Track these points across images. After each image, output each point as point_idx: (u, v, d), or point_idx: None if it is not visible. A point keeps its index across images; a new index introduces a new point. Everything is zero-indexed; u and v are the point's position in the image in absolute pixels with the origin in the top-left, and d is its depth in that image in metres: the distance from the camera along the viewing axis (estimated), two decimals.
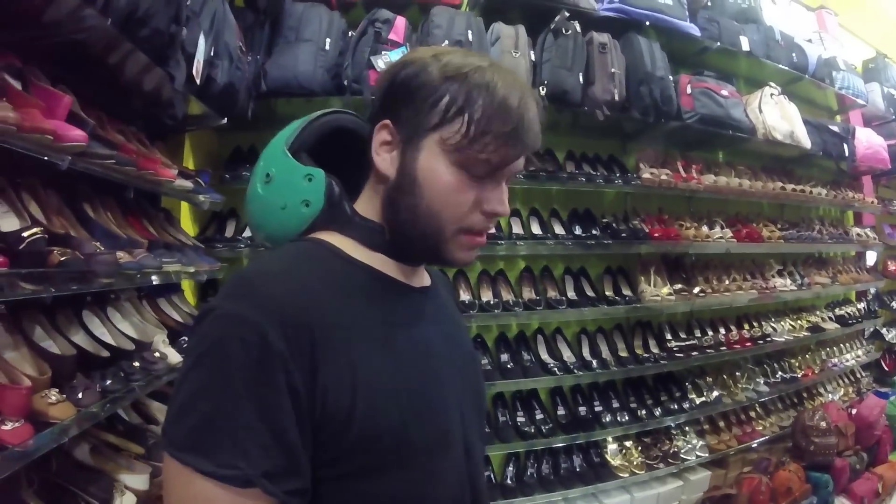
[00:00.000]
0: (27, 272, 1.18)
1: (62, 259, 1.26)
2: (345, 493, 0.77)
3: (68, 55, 1.56)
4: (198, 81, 1.87)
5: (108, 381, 1.46)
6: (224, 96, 2.12)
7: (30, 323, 1.50)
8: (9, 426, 1.17)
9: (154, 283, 1.80)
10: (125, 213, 1.89)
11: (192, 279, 2.28)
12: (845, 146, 4.33)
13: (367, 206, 0.91)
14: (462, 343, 1.04)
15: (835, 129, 4.33)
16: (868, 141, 4.52)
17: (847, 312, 4.65)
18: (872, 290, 5.11)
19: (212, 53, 1.99)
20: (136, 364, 1.59)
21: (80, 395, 1.34)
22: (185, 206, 2.46)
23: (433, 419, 0.86)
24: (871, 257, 5.24)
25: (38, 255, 1.23)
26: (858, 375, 4.87)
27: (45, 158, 1.25)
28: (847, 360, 4.55)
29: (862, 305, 4.92)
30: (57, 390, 1.32)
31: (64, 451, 1.57)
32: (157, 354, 1.70)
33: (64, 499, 1.49)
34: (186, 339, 0.71)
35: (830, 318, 4.45)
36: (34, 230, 1.24)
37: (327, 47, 2.54)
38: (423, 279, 0.98)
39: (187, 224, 2.48)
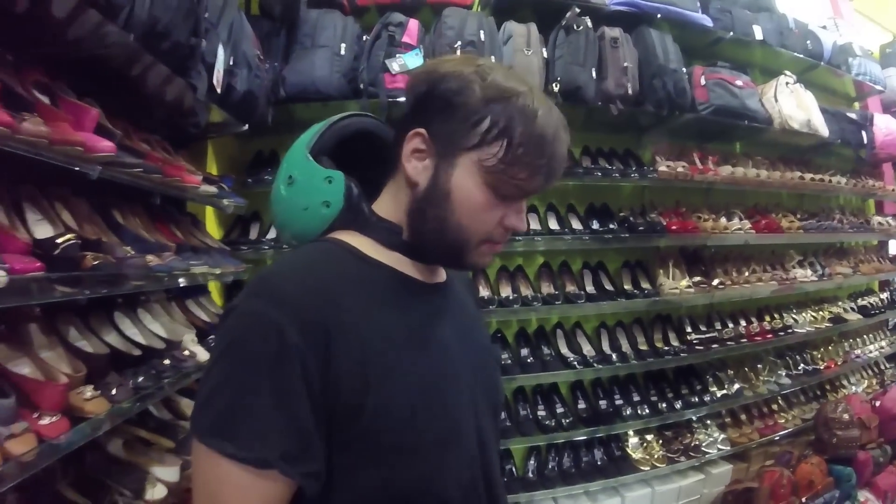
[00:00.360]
0: (62, 276, 1.25)
1: (95, 263, 1.33)
2: (358, 478, 0.83)
3: (92, 68, 1.64)
4: (218, 90, 1.95)
5: (140, 378, 1.54)
6: (244, 103, 2.20)
7: (64, 324, 1.58)
8: (46, 420, 1.25)
9: (181, 284, 1.88)
10: (153, 219, 1.98)
11: (218, 280, 2.36)
12: (864, 133, 4.27)
13: (387, 206, 0.96)
14: (478, 337, 1.08)
15: (852, 116, 4.27)
16: (887, 127, 4.44)
17: (870, 303, 4.57)
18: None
19: (231, 63, 2.07)
20: (167, 362, 1.67)
21: (113, 392, 1.42)
22: (209, 209, 2.55)
23: (444, 411, 0.90)
24: (893, 246, 5.14)
25: (72, 260, 1.30)
26: (882, 367, 4.78)
27: (77, 169, 1.32)
28: (870, 352, 4.46)
29: (885, 295, 4.83)
30: (91, 387, 1.39)
31: (98, 445, 1.66)
32: (186, 353, 1.78)
33: (98, 491, 1.57)
34: (214, 336, 0.79)
35: (853, 309, 4.38)
36: (68, 236, 1.32)
37: (342, 52, 2.61)
38: (439, 276, 1.02)
39: (212, 227, 2.57)
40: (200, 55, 1.81)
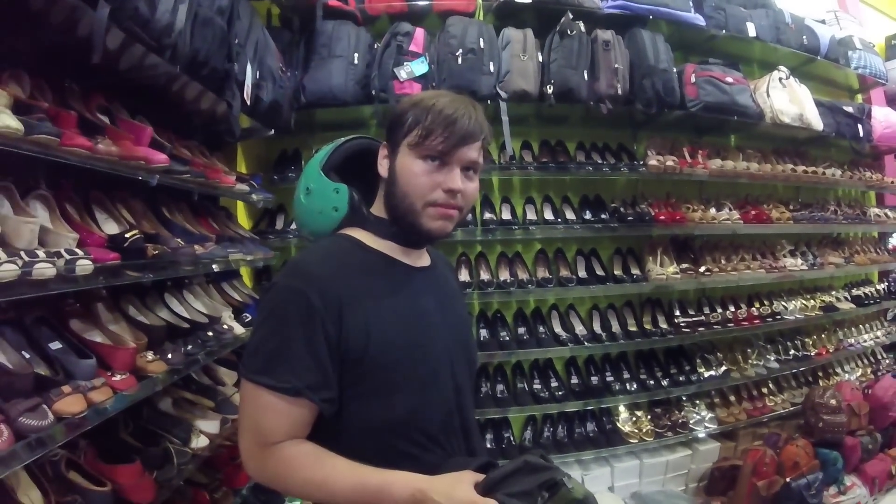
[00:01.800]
0: (131, 263, 1.59)
1: (156, 252, 1.68)
2: (363, 407, 1.18)
3: (140, 88, 1.96)
4: (248, 103, 2.26)
5: (190, 347, 1.90)
6: (270, 112, 2.51)
7: (125, 303, 1.93)
8: (118, 377, 1.59)
9: (217, 270, 2.21)
10: (194, 213, 2.31)
11: (250, 266, 2.70)
12: (860, 126, 4.32)
13: (378, 206, 1.32)
14: (457, 309, 1.43)
15: (849, 109, 4.31)
16: (887, 120, 4.48)
17: (865, 293, 4.62)
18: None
19: (258, 77, 2.37)
20: (210, 333, 2.02)
21: (169, 356, 1.77)
22: (240, 203, 2.88)
23: (425, 360, 1.25)
24: (895, 238, 5.15)
25: (139, 251, 1.64)
26: (879, 356, 4.83)
27: (140, 178, 1.65)
28: (865, 341, 4.52)
29: (883, 286, 4.86)
30: (152, 352, 1.74)
31: (152, 403, 2.02)
32: (225, 326, 2.13)
33: (152, 439, 1.91)
34: (255, 307, 1.22)
35: (846, 298, 4.45)
36: (133, 232, 1.65)
37: (356, 61, 2.91)
38: (424, 261, 1.36)
39: (243, 219, 2.91)
40: (234, 76, 2.12)
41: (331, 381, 1.13)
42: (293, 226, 3.02)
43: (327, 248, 1.25)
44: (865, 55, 4.54)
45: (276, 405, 1.10)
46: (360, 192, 1.32)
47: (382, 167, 1.26)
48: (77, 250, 1.45)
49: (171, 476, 1.80)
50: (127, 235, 1.63)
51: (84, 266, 1.41)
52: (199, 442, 1.97)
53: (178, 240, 1.88)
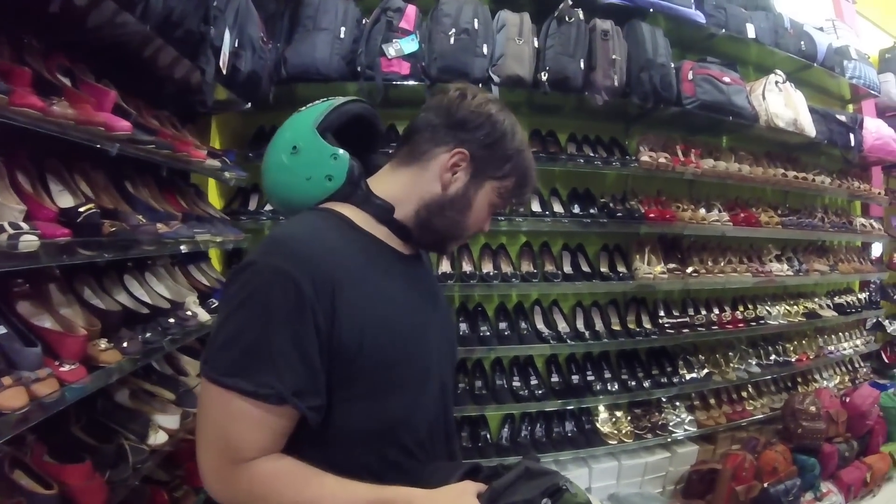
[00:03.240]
0: (84, 241, 1.43)
1: (112, 230, 1.51)
2: (352, 411, 1.01)
3: (108, 50, 1.79)
4: (224, 72, 2.09)
5: (148, 334, 1.72)
6: (248, 83, 2.34)
7: (80, 285, 1.76)
8: (67, 367, 1.43)
9: (184, 251, 2.04)
10: (161, 189, 2.15)
11: (219, 248, 2.53)
12: (851, 136, 4.33)
13: (388, 187, 1.15)
14: (441, 301, 1.31)
15: (842, 118, 4.33)
16: (878, 131, 4.51)
17: (847, 301, 4.67)
18: (876, 281, 5.09)
19: (236, 45, 2.21)
20: (171, 320, 1.85)
21: (125, 344, 1.60)
22: (211, 181, 2.71)
23: (418, 356, 1.11)
24: (877, 248, 5.21)
25: (94, 227, 1.47)
26: (857, 365, 4.91)
27: (98, 146, 1.48)
28: (845, 349, 4.58)
29: (864, 296, 4.93)
30: (106, 340, 1.58)
31: (107, 395, 1.84)
32: (188, 313, 1.96)
33: (106, 434, 1.75)
34: (225, 289, 0.94)
35: (828, 306, 4.48)
36: (89, 206, 1.49)
37: (342, 35, 2.74)
38: (411, 248, 1.21)
39: (214, 198, 2.73)
40: (209, 40, 1.95)
41: (320, 385, 0.97)
42: (268, 206, 2.85)
43: (315, 223, 1.07)
44: (861, 66, 4.56)
45: (252, 414, 0.91)
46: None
47: (448, 178, 1.13)
48: (23, 224, 1.30)
49: (126, 476, 1.64)
50: (81, 210, 1.46)
51: (29, 242, 1.25)
52: (158, 438, 1.81)
53: (140, 217, 1.71)
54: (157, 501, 1.93)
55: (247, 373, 0.91)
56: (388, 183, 1.16)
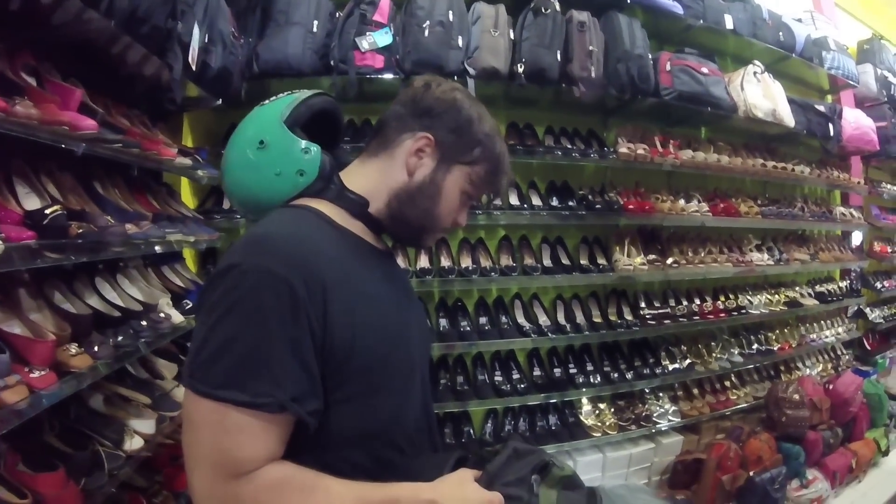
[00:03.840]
0: (50, 243, 1.39)
1: (80, 231, 1.48)
2: (345, 412, 0.98)
3: (75, 48, 1.74)
4: (193, 68, 2.04)
5: (120, 338, 1.69)
6: (219, 79, 2.29)
7: (50, 288, 1.72)
8: (37, 374, 1.40)
9: (158, 251, 2.00)
10: (131, 189, 2.10)
11: (192, 248, 2.48)
12: (831, 126, 4.34)
13: (359, 180, 1.13)
14: (413, 295, 1.30)
15: (821, 108, 4.34)
16: (856, 122, 4.54)
17: (828, 290, 4.69)
18: (856, 269, 5.13)
19: (206, 40, 2.15)
20: (144, 323, 1.81)
21: (96, 349, 1.57)
22: (184, 180, 2.66)
23: (404, 353, 1.10)
24: (857, 237, 5.24)
25: (60, 229, 1.43)
26: (839, 352, 4.94)
27: (63, 146, 1.44)
28: (827, 337, 4.60)
29: (845, 284, 4.96)
30: (76, 345, 1.54)
31: (81, 401, 1.81)
32: (162, 315, 1.92)
33: (81, 441, 1.70)
34: (205, 295, 0.87)
35: (810, 295, 4.52)
36: (55, 207, 1.45)
37: (315, 29, 2.70)
38: (383, 244, 1.21)
39: (187, 197, 2.68)
40: (177, 36, 1.91)
41: (318, 388, 0.93)
42: None
43: (295, 220, 1.03)
44: (839, 56, 4.59)
45: (252, 426, 0.86)
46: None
47: (415, 165, 1.12)
48: None
49: (102, 483, 1.60)
50: (47, 212, 1.43)
51: None
52: (134, 443, 1.76)
53: (109, 217, 1.67)
54: None
55: (242, 383, 0.86)
56: (359, 176, 1.14)
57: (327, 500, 0.90)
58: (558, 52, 2.98)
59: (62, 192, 1.70)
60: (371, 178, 1.13)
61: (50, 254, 1.39)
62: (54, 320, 1.60)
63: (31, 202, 1.56)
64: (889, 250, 5.36)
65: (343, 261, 1.00)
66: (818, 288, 4.68)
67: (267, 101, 1.15)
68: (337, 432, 0.98)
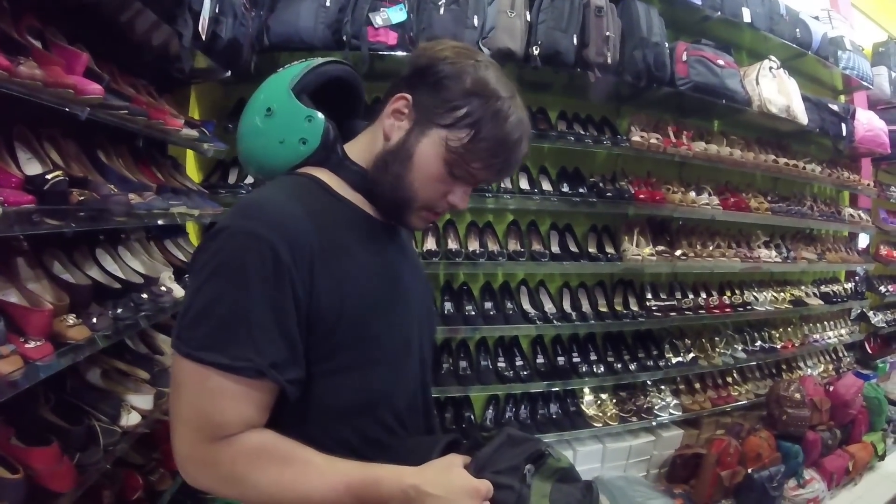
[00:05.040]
0: (50, 209, 1.34)
1: (81, 199, 1.43)
2: (332, 385, 0.96)
3: (83, 14, 1.69)
4: (203, 38, 1.99)
5: (120, 310, 1.64)
6: (228, 51, 2.24)
7: (49, 258, 1.68)
8: (32, 344, 1.36)
9: (160, 224, 1.96)
10: (136, 160, 2.05)
11: (196, 222, 2.44)
12: (843, 126, 4.29)
13: (360, 151, 1.08)
14: (420, 272, 1.24)
15: (835, 108, 4.28)
16: (869, 123, 4.49)
17: (833, 290, 4.66)
18: (861, 272, 5.10)
19: (217, 10, 2.10)
20: (145, 296, 1.76)
21: (94, 320, 1.53)
22: (190, 154, 2.61)
23: (400, 328, 1.06)
24: (863, 240, 5.21)
25: (61, 195, 1.39)
26: (841, 354, 4.92)
27: (67, 110, 1.40)
28: (829, 338, 4.58)
29: (850, 286, 4.94)
30: (74, 315, 1.50)
31: (78, 374, 1.77)
32: (163, 288, 1.87)
33: (77, 416, 1.66)
34: (196, 258, 0.85)
35: (815, 294, 4.49)
36: (56, 173, 1.40)
37: (328, 3, 2.63)
38: None
39: (192, 171, 2.64)
40: (187, 3, 1.85)
41: (299, 357, 0.91)
42: (249, 179, 2.75)
43: (291, 187, 0.99)
44: (854, 57, 4.53)
45: (231, 390, 0.85)
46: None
47: (391, 127, 1.03)
48: None
49: (97, 459, 1.56)
50: (48, 177, 1.37)
51: None
52: (130, 419, 1.72)
53: (112, 186, 1.62)
54: (130, 485, 1.86)
55: (222, 346, 0.84)
56: (357, 145, 1.09)
57: (305, 473, 0.87)
58: (574, 37, 2.91)
59: (65, 160, 1.65)
60: (364, 147, 1.08)
61: (49, 220, 1.34)
62: (52, 290, 1.55)
63: (33, 167, 1.52)
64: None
65: (337, 229, 0.97)
66: (823, 288, 4.65)
67: (281, 69, 1.11)
68: (323, 405, 0.96)
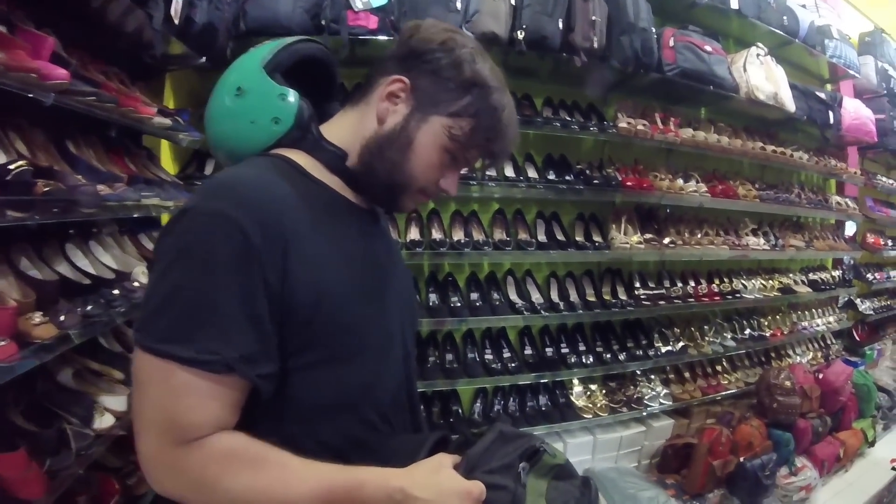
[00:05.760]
0: (14, 200, 1.26)
1: (46, 189, 1.34)
2: (310, 380, 0.90)
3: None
4: (176, 21, 1.91)
5: (90, 307, 1.56)
6: (203, 36, 2.15)
7: (16, 254, 1.59)
8: None
9: (134, 216, 1.87)
10: (107, 151, 1.96)
11: (170, 214, 2.35)
12: (830, 114, 4.29)
13: (339, 132, 1.03)
14: (400, 261, 1.19)
15: (822, 96, 4.28)
16: (856, 112, 4.50)
17: (821, 278, 4.68)
18: (848, 260, 5.13)
19: None
20: (116, 292, 1.68)
21: (62, 318, 1.45)
22: (165, 145, 2.52)
23: (381, 321, 1.00)
24: (850, 227, 5.26)
25: (25, 186, 1.31)
26: (829, 342, 4.96)
27: (31, 96, 1.32)
28: (818, 325, 4.60)
29: (837, 273, 4.96)
30: (41, 313, 1.42)
31: (49, 375, 1.68)
32: (136, 284, 1.79)
33: (48, 419, 1.58)
34: (159, 242, 0.79)
35: (803, 282, 4.50)
36: (20, 163, 1.32)
37: None
38: (367, 202, 1.09)
39: (168, 162, 2.54)
40: None
41: (272, 349, 0.84)
42: None
43: (263, 168, 0.93)
44: (841, 45, 4.54)
45: (198, 386, 0.79)
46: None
47: (387, 111, 0.99)
48: None
49: (69, 463, 1.49)
50: (11, 167, 1.29)
51: None
52: (104, 421, 1.64)
53: (80, 177, 1.54)
54: (106, 490, 1.77)
55: (187, 338, 0.78)
56: (337, 126, 1.04)
57: (281, 477, 0.81)
58: (560, 21, 2.86)
59: (31, 149, 1.57)
60: (347, 128, 1.03)
61: (13, 212, 1.26)
62: (18, 287, 1.48)
63: None
64: (882, 242, 5.35)
65: (312, 213, 0.91)
66: (811, 276, 4.66)
67: (253, 48, 1.04)
68: (300, 403, 0.90)
